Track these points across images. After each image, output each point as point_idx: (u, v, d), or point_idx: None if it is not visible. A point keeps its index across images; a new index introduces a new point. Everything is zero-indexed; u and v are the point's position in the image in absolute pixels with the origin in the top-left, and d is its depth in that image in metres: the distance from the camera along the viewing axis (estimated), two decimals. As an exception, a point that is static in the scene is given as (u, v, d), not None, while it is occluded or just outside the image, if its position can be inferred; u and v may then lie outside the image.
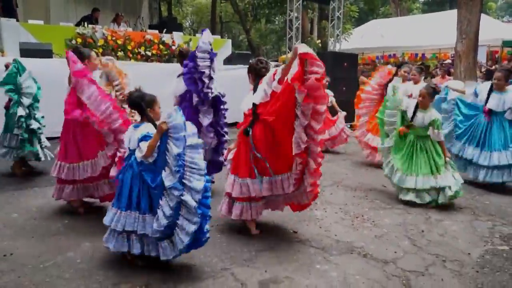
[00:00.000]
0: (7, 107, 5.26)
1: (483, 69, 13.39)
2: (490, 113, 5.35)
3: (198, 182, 2.79)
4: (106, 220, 3.01)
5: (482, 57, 13.41)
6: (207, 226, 2.92)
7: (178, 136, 2.76)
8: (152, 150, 2.84)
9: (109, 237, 3.02)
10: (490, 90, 5.38)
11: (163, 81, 8.87)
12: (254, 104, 3.50)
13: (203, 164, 2.86)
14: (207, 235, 2.95)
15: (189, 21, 36.57)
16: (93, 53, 4.26)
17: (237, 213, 3.59)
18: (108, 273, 2.98)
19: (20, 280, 2.90)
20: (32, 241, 3.56)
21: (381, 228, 3.98)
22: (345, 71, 10.33)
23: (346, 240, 3.69)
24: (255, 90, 3.58)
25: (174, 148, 2.76)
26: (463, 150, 5.53)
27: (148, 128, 2.95)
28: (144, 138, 2.89)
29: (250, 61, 3.75)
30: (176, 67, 9.46)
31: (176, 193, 2.76)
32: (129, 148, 3.05)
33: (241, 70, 10.00)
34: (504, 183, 5.28)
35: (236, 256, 3.32)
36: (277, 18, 22.89)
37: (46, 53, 7.87)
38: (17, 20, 8.99)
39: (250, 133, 3.48)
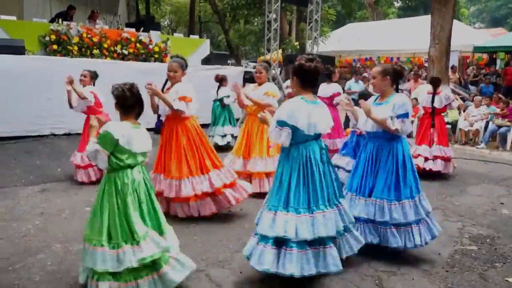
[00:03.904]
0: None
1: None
2: None
3: None
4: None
5: (454, 62, 13.78)
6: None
7: None
8: None
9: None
10: None
11: (141, 81, 8.83)
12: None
13: None
14: None
15: (168, 20, 36.21)
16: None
17: None
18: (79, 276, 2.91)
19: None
20: (1, 242, 3.46)
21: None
22: (322, 73, 10.45)
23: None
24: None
25: None
26: None
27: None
28: None
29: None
30: (152, 66, 9.43)
31: None
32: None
33: (219, 70, 10.01)
34: None
35: (211, 257, 3.31)
36: (256, 19, 22.91)
37: (18, 50, 7.67)
38: (-11, 16, 8.71)
39: None
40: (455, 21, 11.23)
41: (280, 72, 12.62)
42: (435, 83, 6.27)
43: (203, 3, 27.65)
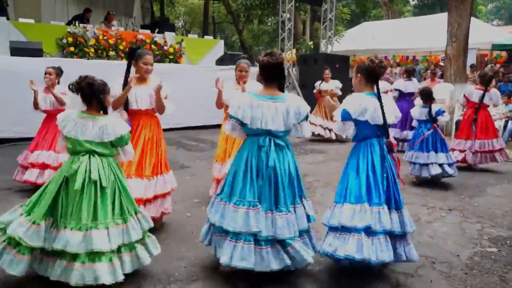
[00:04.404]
0: None
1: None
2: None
3: None
4: None
5: (472, 61, 13.54)
6: None
7: None
8: None
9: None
10: None
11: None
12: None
13: None
14: None
15: (182, 22, 36.47)
16: None
17: None
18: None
19: (11, 279, 2.86)
20: (20, 242, 3.51)
21: (371, 230, 3.98)
22: (337, 73, 10.39)
23: (337, 241, 3.68)
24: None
25: None
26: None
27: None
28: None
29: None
30: (167, 67, 9.48)
31: None
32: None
33: (233, 71, 10.05)
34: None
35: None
36: (269, 19, 22.93)
37: (36, 52, 7.82)
38: (8, 19, 8.90)
39: None
40: (472, 18, 11.01)
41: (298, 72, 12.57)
42: (488, 80, 6.47)
43: (217, 4, 27.79)
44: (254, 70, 5.73)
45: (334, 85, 8.63)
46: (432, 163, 5.43)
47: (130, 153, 3.00)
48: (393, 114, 3.06)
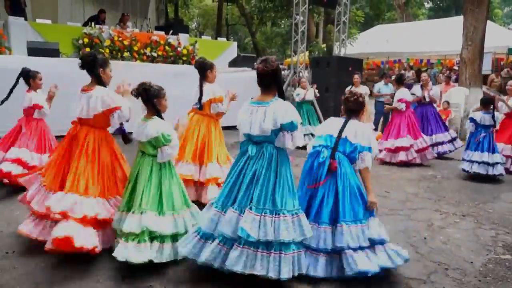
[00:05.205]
0: None
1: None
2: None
3: None
4: None
5: (487, 65, 13.35)
6: None
7: None
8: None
9: None
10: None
11: (168, 82, 8.97)
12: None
13: None
14: None
15: (196, 23, 36.67)
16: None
17: None
18: (111, 273, 2.98)
19: (21, 278, 2.91)
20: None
21: (383, 234, 3.95)
22: (350, 76, 10.32)
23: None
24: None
25: None
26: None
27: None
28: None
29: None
30: (180, 69, 9.54)
31: None
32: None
33: (246, 73, 10.07)
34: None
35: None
36: (282, 21, 22.95)
37: (53, 52, 7.93)
38: (25, 19, 9.05)
39: None
40: (488, 22, 10.88)
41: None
42: None
43: (231, 6, 27.88)
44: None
45: (363, 91, 8.44)
46: (483, 162, 6.03)
47: (168, 154, 3.12)
48: (364, 138, 3.27)
